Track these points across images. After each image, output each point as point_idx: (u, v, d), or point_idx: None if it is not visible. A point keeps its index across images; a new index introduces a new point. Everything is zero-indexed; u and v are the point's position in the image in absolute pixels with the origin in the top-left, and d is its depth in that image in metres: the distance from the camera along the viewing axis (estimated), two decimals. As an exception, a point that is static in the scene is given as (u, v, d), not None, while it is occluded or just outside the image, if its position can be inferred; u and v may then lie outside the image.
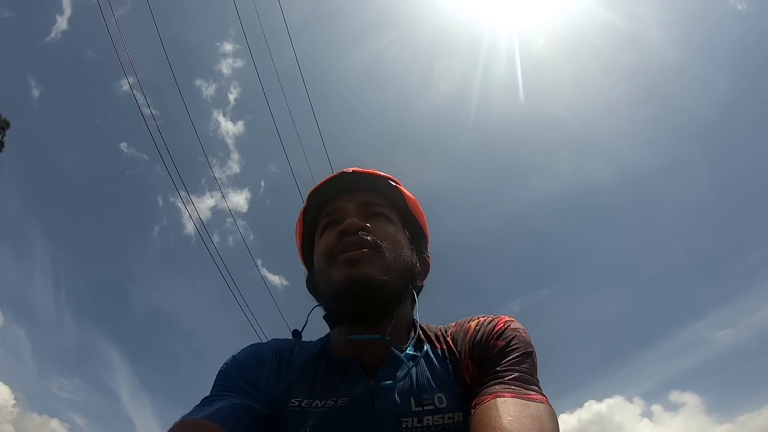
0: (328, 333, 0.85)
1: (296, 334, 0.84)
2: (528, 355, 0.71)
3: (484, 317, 0.79)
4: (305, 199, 0.88)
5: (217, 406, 0.67)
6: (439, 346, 0.78)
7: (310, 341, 0.86)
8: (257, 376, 0.75)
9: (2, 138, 15.21)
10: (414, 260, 0.80)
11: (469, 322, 0.80)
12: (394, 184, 0.85)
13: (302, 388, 0.74)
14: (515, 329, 0.74)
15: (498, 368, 0.68)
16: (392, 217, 0.82)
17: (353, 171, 0.84)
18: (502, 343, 0.72)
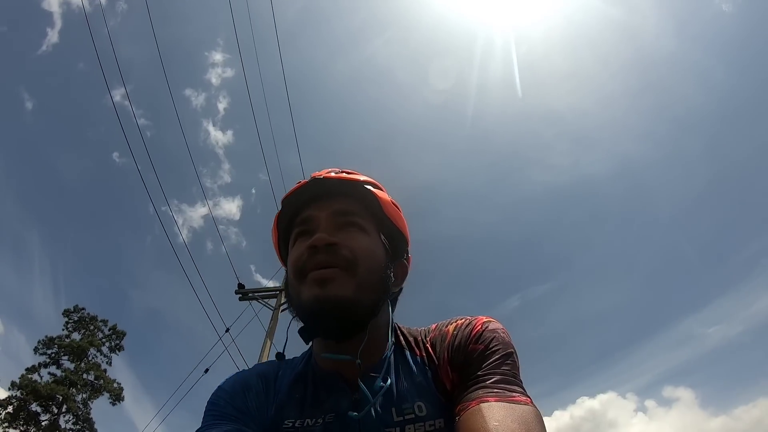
0: (310, 348, 0.84)
1: (280, 356, 0.84)
2: (508, 356, 0.70)
3: (461, 320, 0.79)
4: (279, 204, 0.85)
5: None
6: (418, 353, 0.78)
7: (294, 358, 0.85)
8: (245, 403, 0.75)
9: (121, 342, 22.10)
10: (388, 270, 0.78)
11: (447, 326, 0.79)
12: (368, 187, 0.82)
13: (293, 408, 0.74)
14: (493, 330, 0.74)
15: (479, 372, 0.68)
16: (366, 225, 0.79)
17: (324, 177, 0.81)
18: (481, 346, 0.71)
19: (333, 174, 0.82)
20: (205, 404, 0.77)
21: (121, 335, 21.81)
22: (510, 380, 0.66)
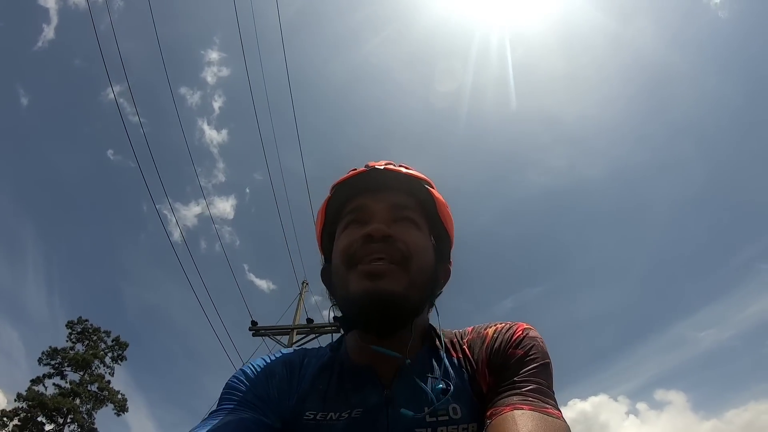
0: (340, 337, 0.83)
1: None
2: (546, 367, 0.69)
3: (501, 324, 0.77)
4: (329, 190, 0.83)
5: (224, 421, 0.65)
6: (455, 354, 0.76)
7: (319, 347, 0.84)
8: (267, 390, 0.72)
9: (124, 353, 22.16)
10: (437, 270, 0.78)
11: (486, 329, 0.78)
12: (426, 186, 0.81)
13: (316, 400, 0.72)
14: (534, 338, 0.73)
15: (516, 378, 0.67)
16: (420, 222, 0.78)
17: (385, 167, 0.79)
18: (520, 352, 0.70)
19: (392, 166, 0.80)
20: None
21: (123, 346, 22.10)
22: (545, 391, 0.66)
